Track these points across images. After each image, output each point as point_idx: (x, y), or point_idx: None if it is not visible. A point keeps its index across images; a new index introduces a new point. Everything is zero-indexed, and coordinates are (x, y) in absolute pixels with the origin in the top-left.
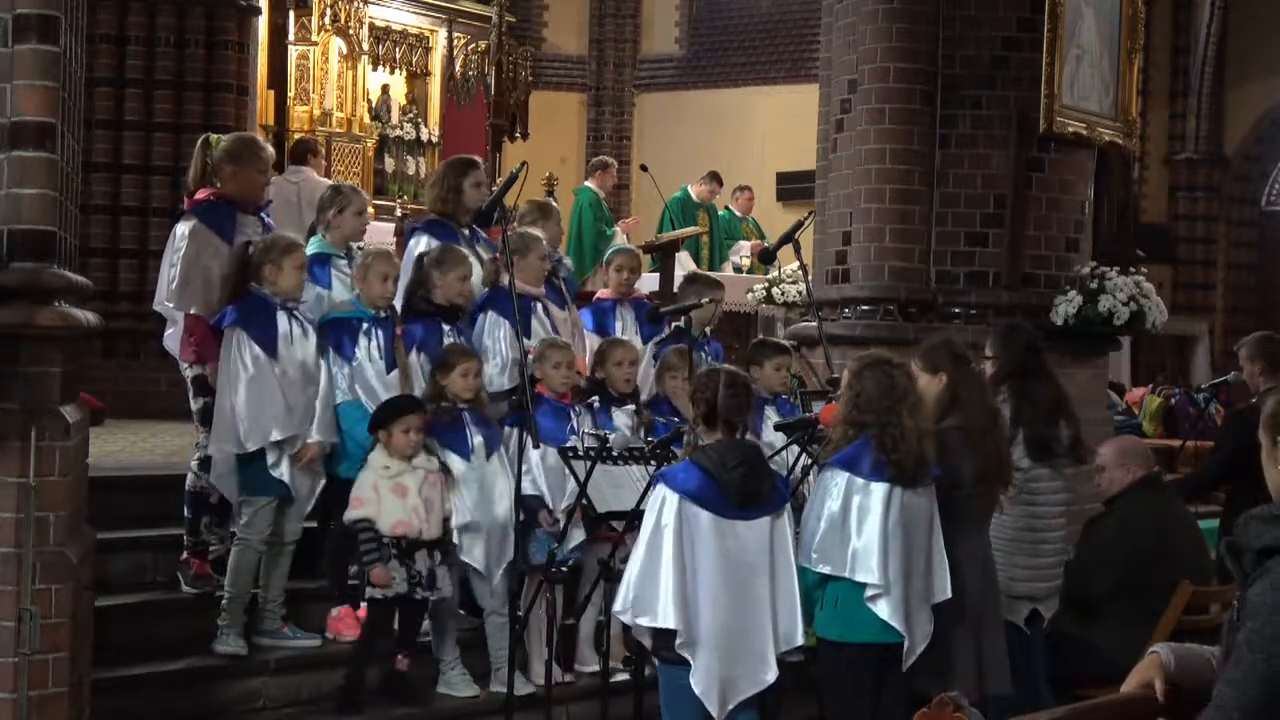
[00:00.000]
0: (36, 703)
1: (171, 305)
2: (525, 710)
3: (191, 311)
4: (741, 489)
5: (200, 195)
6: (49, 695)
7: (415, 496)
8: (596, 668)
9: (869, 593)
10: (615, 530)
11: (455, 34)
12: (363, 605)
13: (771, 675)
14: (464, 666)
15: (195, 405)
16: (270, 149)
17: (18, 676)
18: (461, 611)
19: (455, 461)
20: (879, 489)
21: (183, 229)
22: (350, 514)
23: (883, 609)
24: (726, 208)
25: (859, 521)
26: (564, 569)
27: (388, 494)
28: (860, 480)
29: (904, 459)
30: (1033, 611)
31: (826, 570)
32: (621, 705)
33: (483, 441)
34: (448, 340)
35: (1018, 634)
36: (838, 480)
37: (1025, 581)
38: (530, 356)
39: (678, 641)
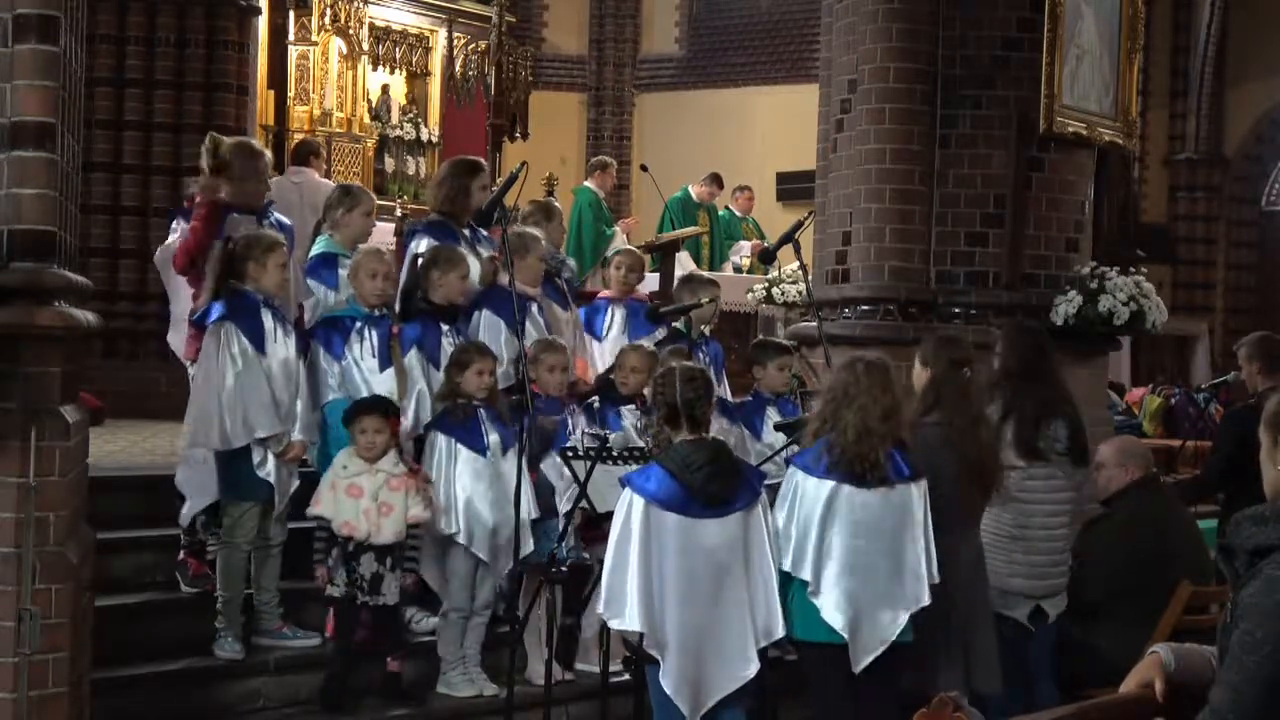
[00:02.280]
0: (36, 703)
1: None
2: (525, 710)
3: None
4: (706, 489)
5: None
6: (49, 695)
7: (369, 499)
8: (597, 668)
9: (808, 590)
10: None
11: (455, 34)
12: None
13: (751, 669)
14: (474, 668)
15: None
16: (268, 153)
17: (18, 676)
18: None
19: (473, 458)
20: (821, 487)
21: (175, 226)
22: (309, 510)
23: (823, 607)
24: (727, 208)
25: (799, 519)
26: (564, 569)
27: (342, 494)
28: (810, 479)
29: (843, 456)
30: (1037, 609)
31: (785, 566)
32: (621, 705)
33: (499, 439)
34: (445, 340)
35: (1021, 631)
36: (793, 479)
37: (1023, 579)
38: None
39: (645, 643)
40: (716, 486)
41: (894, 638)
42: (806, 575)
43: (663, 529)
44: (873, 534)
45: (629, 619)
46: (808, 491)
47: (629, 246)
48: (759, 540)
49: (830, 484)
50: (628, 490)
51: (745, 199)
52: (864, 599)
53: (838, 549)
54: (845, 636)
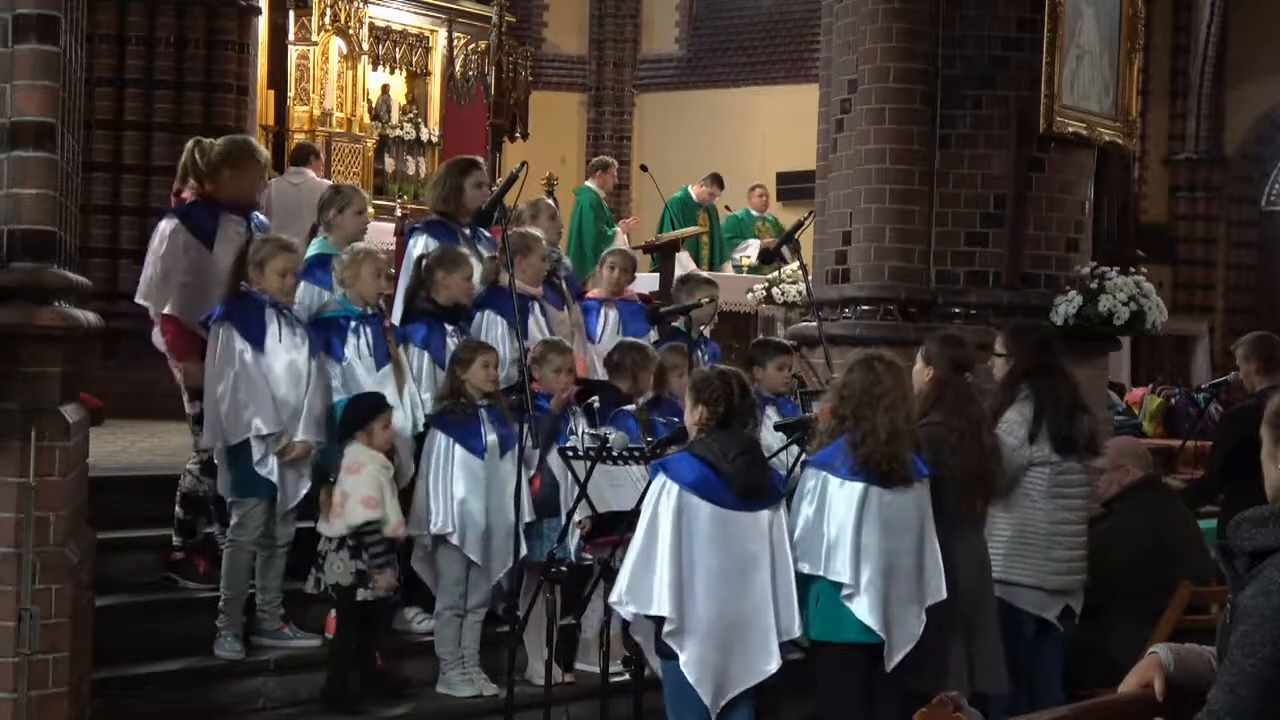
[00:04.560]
0: (36, 703)
1: (149, 303)
2: (525, 710)
3: (166, 311)
4: (743, 479)
5: (186, 195)
6: (49, 695)
7: (395, 497)
8: (597, 668)
9: (844, 592)
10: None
11: (455, 34)
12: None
13: (773, 665)
14: (473, 667)
15: (191, 410)
16: (265, 151)
17: (18, 676)
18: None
19: (469, 459)
20: (851, 488)
21: (164, 227)
22: (364, 514)
23: (859, 608)
24: (744, 209)
25: (831, 521)
26: (564, 569)
27: (389, 496)
28: (835, 480)
29: (872, 456)
30: (1066, 607)
31: (805, 569)
32: (621, 705)
33: (497, 440)
34: (450, 340)
35: (1048, 631)
36: (815, 480)
37: (1062, 575)
38: (529, 357)
39: (667, 629)
40: (753, 477)
41: (920, 633)
42: (844, 578)
43: (696, 517)
44: (901, 534)
45: (656, 604)
46: (836, 493)
47: (621, 247)
48: (782, 539)
49: (860, 485)
50: (661, 475)
51: (758, 196)
52: (896, 598)
53: (873, 551)
54: (883, 637)
